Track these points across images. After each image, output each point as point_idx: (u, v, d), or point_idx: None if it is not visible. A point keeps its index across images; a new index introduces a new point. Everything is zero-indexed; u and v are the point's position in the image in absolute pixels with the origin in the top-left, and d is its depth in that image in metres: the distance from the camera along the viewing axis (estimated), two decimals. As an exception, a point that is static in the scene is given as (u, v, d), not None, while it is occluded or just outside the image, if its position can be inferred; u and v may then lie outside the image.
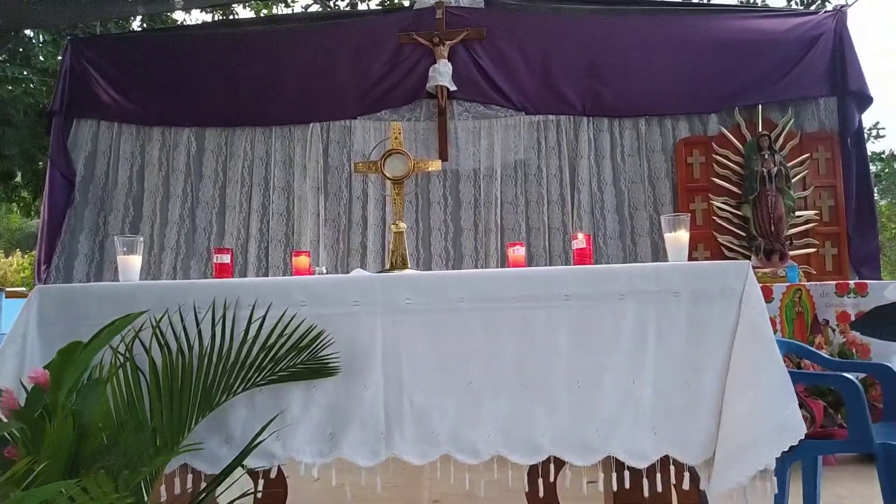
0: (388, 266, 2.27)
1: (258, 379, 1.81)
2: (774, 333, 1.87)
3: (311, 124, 5.05)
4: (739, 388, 1.71)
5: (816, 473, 2.64)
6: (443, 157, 4.88)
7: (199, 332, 1.75)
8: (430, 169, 2.31)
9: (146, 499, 1.53)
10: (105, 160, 5.09)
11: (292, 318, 1.80)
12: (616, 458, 1.80)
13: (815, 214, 4.80)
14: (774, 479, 1.74)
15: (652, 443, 1.78)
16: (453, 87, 4.89)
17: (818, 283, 4.00)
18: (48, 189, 4.95)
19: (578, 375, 1.81)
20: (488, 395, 1.82)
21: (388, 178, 2.23)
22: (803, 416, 2.13)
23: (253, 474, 1.89)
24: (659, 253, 4.84)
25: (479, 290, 1.87)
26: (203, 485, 1.81)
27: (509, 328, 1.84)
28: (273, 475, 1.87)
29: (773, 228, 4.63)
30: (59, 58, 7.70)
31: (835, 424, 2.75)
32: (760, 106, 4.86)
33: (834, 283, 3.91)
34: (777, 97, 4.90)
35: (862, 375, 2.55)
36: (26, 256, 24.58)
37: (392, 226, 2.23)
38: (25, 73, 7.03)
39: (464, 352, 1.84)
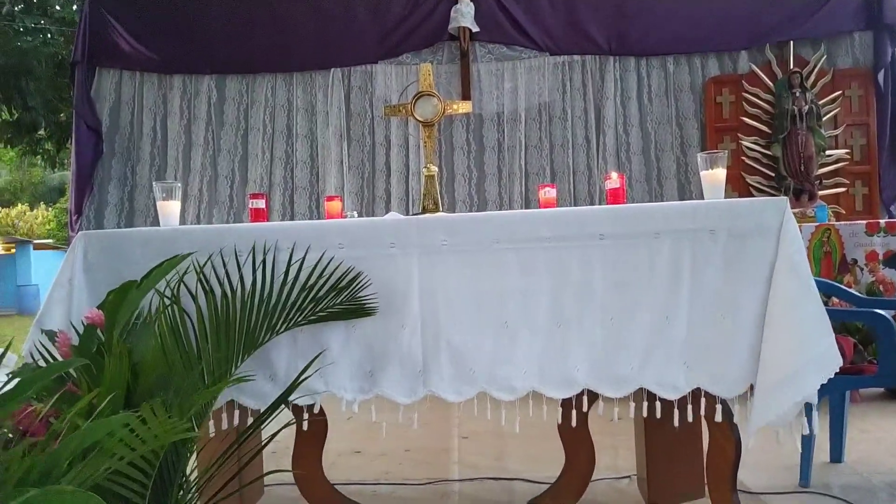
0: (419, 210, 2.28)
1: (299, 319, 1.86)
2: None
3: (332, 70, 4.96)
4: (779, 323, 1.72)
5: (844, 408, 2.69)
6: (466, 100, 4.81)
7: (241, 274, 1.80)
8: (460, 111, 2.29)
9: (197, 431, 1.59)
10: (129, 110, 5.07)
11: (330, 261, 1.83)
12: (648, 391, 1.84)
13: (846, 153, 4.70)
14: (816, 414, 1.77)
15: (684, 376, 1.82)
16: (476, 29, 4.76)
17: (847, 222, 3.96)
18: (75, 140, 4.97)
19: (612, 312, 1.84)
20: (524, 334, 1.86)
21: (419, 121, 2.22)
22: (833, 352, 2.15)
23: (296, 409, 1.96)
24: (685, 195, 4.78)
25: (513, 231, 1.88)
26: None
27: (544, 268, 1.86)
28: (316, 410, 1.94)
29: (802, 168, 4.55)
30: (75, 7, 7.66)
31: (864, 361, 2.77)
32: (792, 42, 4.70)
33: (864, 222, 3.86)
34: (810, 33, 4.74)
35: (893, 312, 2.55)
36: (51, 210, 24.93)
37: (423, 169, 2.23)
38: (42, 22, 6.99)
39: (499, 291, 1.87)
